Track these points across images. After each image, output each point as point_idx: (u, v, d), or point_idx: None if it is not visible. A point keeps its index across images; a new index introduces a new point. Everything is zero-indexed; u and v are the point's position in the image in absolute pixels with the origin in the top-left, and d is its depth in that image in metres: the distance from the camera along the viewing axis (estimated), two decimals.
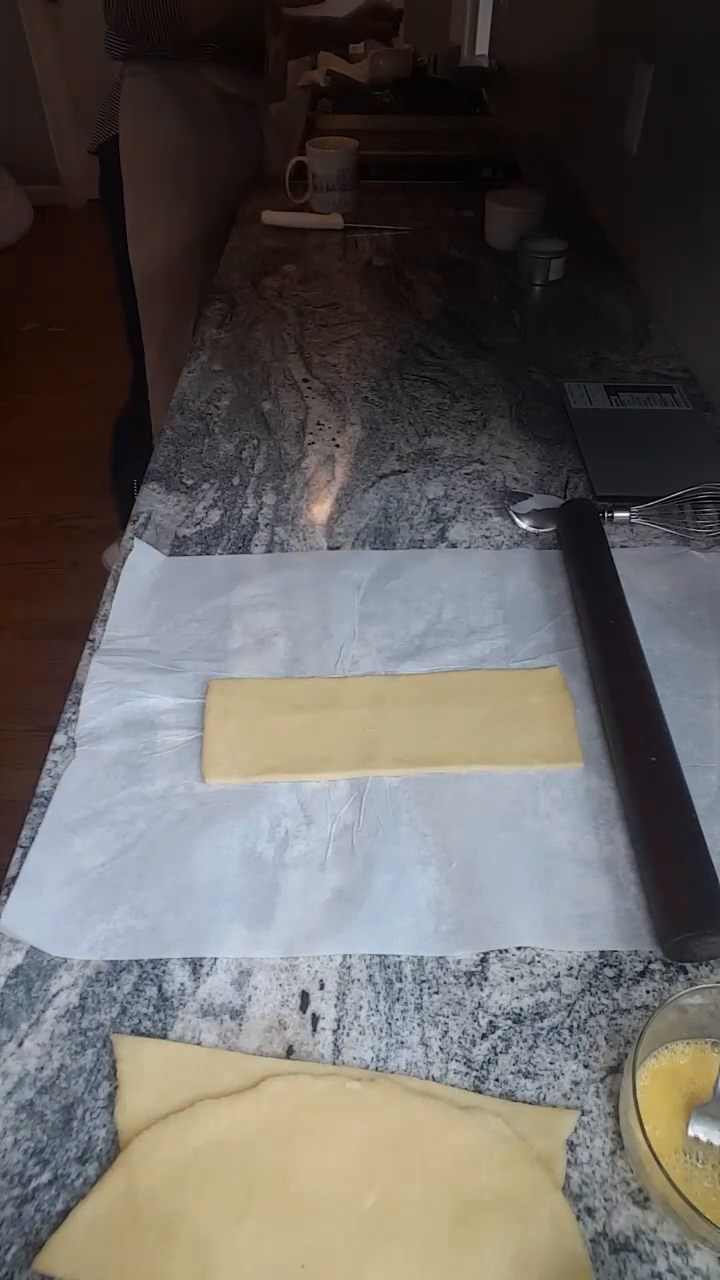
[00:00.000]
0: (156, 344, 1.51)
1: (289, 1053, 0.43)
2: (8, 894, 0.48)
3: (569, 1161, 0.39)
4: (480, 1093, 0.41)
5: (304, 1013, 0.44)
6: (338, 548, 0.73)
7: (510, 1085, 0.41)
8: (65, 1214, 0.37)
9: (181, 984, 0.45)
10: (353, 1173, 0.38)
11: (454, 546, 0.73)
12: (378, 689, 0.60)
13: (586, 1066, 0.42)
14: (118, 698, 0.59)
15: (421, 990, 0.45)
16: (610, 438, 0.85)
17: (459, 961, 0.46)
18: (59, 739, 0.57)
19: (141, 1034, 0.43)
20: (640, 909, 0.48)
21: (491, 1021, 0.44)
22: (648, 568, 0.70)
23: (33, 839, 0.51)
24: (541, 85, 1.92)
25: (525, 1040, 0.43)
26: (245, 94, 1.41)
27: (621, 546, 0.72)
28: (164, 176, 1.37)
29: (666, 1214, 0.37)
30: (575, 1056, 0.42)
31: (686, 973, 0.46)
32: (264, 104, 1.49)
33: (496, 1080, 0.42)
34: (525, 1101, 0.41)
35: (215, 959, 0.46)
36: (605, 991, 0.45)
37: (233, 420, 0.90)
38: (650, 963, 0.46)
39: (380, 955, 0.46)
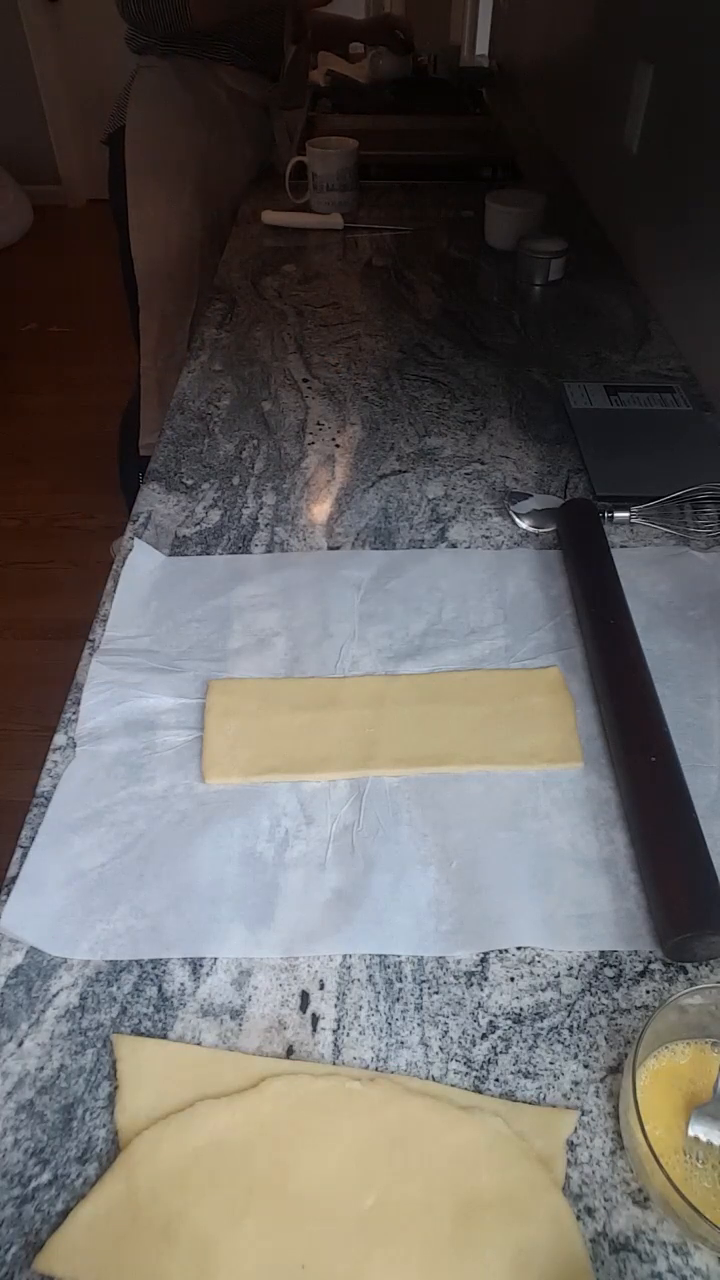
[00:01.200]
0: (153, 334, 1.52)
1: (289, 1053, 0.43)
2: (8, 894, 0.48)
3: (569, 1161, 0.39)
4: (480, 1093, 0.41)
5: (304, 1013, 0.44)
6: (338, 548, 0.73)
7: (510, 1085, 0.41)
8: (65, 1214, 0.37)
9: (181, 984, 0.45)
10: (353, 1173, 0.38)
11: (454, 546, 0.73)
12: (378, 689, 0.60)
13: (586, 1066, 0.42)
14: (118, 698, 0.59)
15: (421, 990, 0.45)
16: (610, 438, 0.85)
17: (459, 961, 0.46)
18: (59, 739, 0.57)
19: (141, 1034, 0.43)
20: (640, 909, 0.48)
21: (491, 1021, 0.44)
22: (648, 568, 0.70)
23: (33, 839, 0.51)
24: (541, 85, 1.92)
25: (525, 1040, 0.43)
26: (259, 97, 1.41)
27: (621, 546, 0.72)
28: (166, 168, 1.38)
29: (666, 1214, 0.37)
30: (575, 1056, 0.42)
31: (686, 973, 0.46)
32: (278, 108, 1.49)
33: (496, 1080, 0.42)
34: (525, 1101, 0.41)
35: (215, 959, 0.46)
36: (605, 991, 0.45)
37: (233, 420, 0.90)
38: (650, 963, 0.46)
39: (380, 955, 0.46)
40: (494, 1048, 0.43)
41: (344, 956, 0.46)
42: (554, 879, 0.49)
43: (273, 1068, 0.41)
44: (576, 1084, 0.42)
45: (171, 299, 1.47)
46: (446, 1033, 0.43)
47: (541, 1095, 0.41)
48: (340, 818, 0.52)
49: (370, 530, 0.75)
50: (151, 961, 0.46)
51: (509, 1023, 0.44)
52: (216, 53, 1.33)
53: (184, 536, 0.74)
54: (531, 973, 0.46)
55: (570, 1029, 0.43)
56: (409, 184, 1.56)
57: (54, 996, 0.45)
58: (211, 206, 1.43)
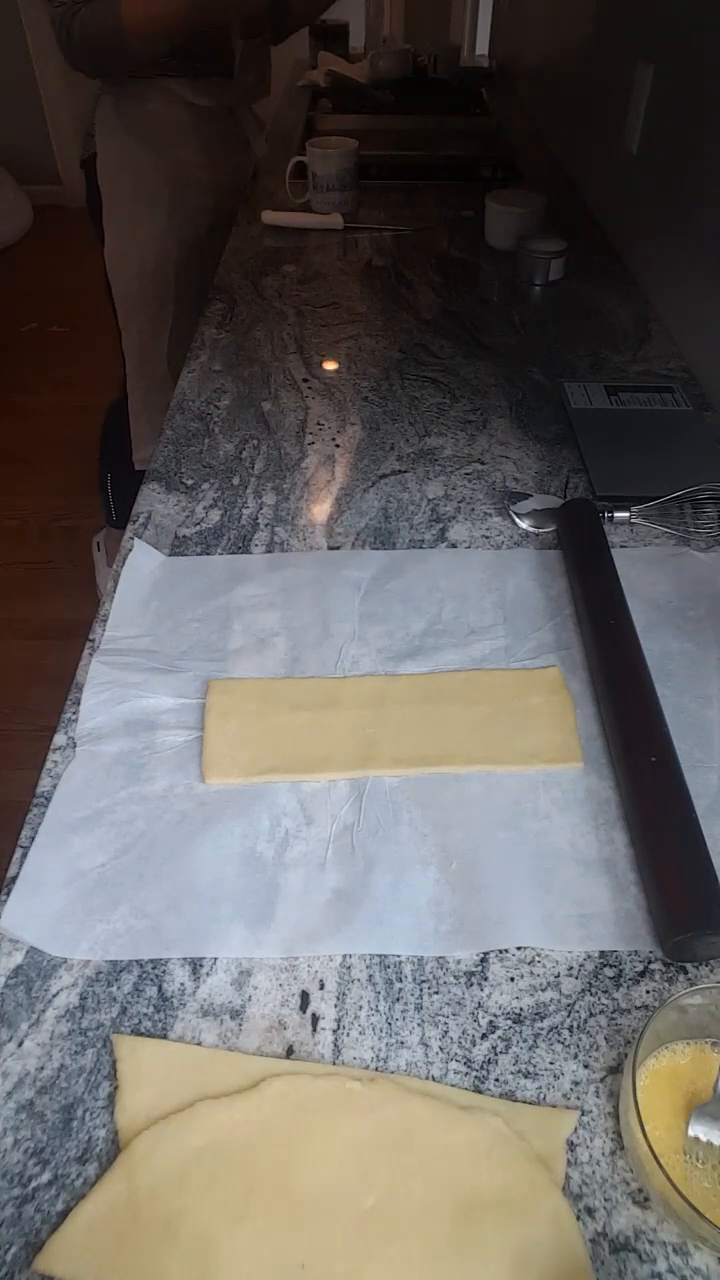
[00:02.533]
0: (134, 354, 1.52)
1: (289, 1053, 0.43)
2: (8, 894, 0.48)
3: (569, 1161, 0.39)
4: (480, 1093, 0.41)
5: (304, 1013, 0.44)
6: (338, 548, 0.73)
7: (510, 1085, 0.41)
8: (65, 1214, 0.37)
9: (181, 984, 0.45)
10: (353, 1173, 0.38)
11: (454, 546, 0.73)
12: (378, 689, 0.60)
13: (586, 1066, 0.42)
14: (118, 698, 0.59)
15: (421, 990, 0.45)
16: (610, 438, 0.85)
17: (459, 961, 0.46)
18: (59, 739, 0.57)
19: (141, 1034, 0.43)
20: (640, 909, 0.48)
21: (491, 1021, 0.44)
22: (648, 568, 0.70)
23: (33, 839, 0.51)
24: (541, 85, 1.92)
25: (525, 1040, 0.43)
26: (217, 102, 1.38)
27: (621, 546, 0.72)
28: (138, 196, 1.37)
29: (666, 1214, 0.37)
30: (575, 1056, 0.42)
31: (686, 973, 0.46)
32: (243, 106, 1.47)
33: (496, 1080, 0.42)
34: (525, 1101, 0.41)
35: (215, 959, 0.46)
36: (605, 991, 0.45)
37: (233, 420, 0.90)
38: (650, 963, 0.46)
39: (380, 955, 0.46)
40: (494, 1048, 0.43)
41: (344, 956, 0.46)
42: (554, 879, 0.49)
43: (273, 1068, 0.42)
44: (576, 1084, 0.42)
45: (147, 321, 1.46)
46: (446, 1033, 0.43)
47: (541, 1095, 0.41)
48: (340, 818, 0.52)
49: (370, 530, 0.75)
50: (151, 961, 0.46)
51: (509, 1023, 0.44)
52: (168, 70, 1.30)
53: (184, 536, 0.74)
54: (531, 973, 0.46)
55: (570, 1029, 0.43)
56: (409, 184, 1.56)
57: (54, 996, 0.45)
58: (190, 224, 1.41)
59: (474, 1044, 0.43)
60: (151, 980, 0.45)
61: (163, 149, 1.35)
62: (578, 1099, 0.41)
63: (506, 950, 0.46)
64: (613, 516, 0.74)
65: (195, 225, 1.43)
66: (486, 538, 0.74)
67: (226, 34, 1.30)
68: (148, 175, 1.36)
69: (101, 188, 1.39)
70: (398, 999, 0.45)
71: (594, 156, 1.45)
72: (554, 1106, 0.41)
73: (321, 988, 0.45)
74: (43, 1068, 0.42)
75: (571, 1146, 0.40)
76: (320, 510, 0.78)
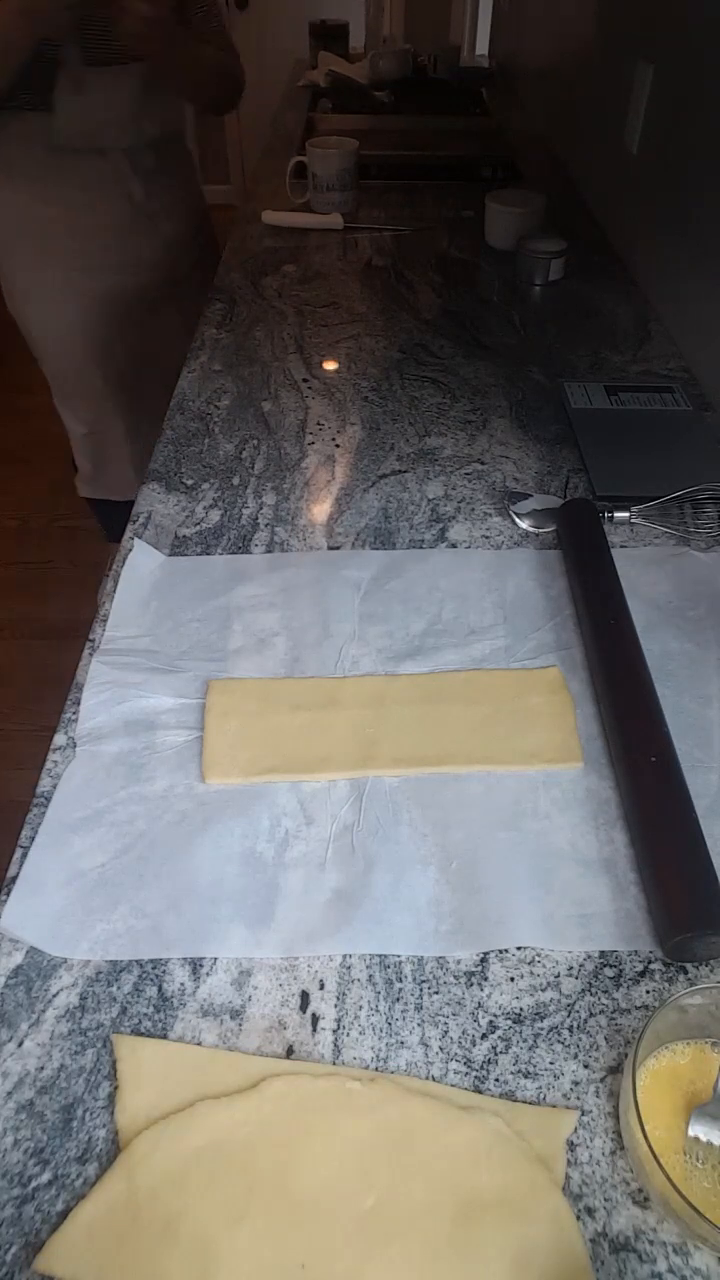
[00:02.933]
0: (55, 390, 1.49)
1: (289, 1053, 0.43)
2: (8, 894, 0.48)
3: (569, 1161, 0.39)
4: (480, 1093, 0.41)
5: (304, 1013, 0.44)
6: (338, 548, 0.73)
7: (510, 1085, 0.41)
8: (65, 1214, 0.37)
9: (181, 984, 0.45)
10: (353, 1173, 0.38)
11: (454, 546, 0.73)
12: (378, 689, 0.60)
13: (586, 1066, 0.42)
14: (118, 698, 0.59)
15: (421, 990, 0.45)
16: (610, 438, 0.85)
17: (459, 961, 0.46)
18: (59, 739, 0.57)
19: (141, 1034, 0.43)
20: (640, 909, 0.48)
21: (491, 1021, 0.44)
22: (648, 568, 0.70)
23: (33, 839, 0.51)
24: (541, 85, 1.92)
25: (525, 1040, 0.43)
26: (65, 140, 1.20)
27: (621, 546, 0.72)
28: (15, 237, 1.31)
29: (666, 1214, 0.37)
30: (575, 1056, 0.42)
31: (686, 973, 0.46)
32: (118, 148, 1.25)
33: (496, 1080, 0.42)
34: (525, 1101, 0.41)
35: (215, 959, 0.46)
36: (605, 991, 0.45)
37: (233, 420, 0.90)
38: (650, 963, 0.46)
39: (380, 955, 0.46)
40: (494, 1048, 0.43)
41: (344, 956, 0.46)
42: (554, 879, 0.49)
43: (273, 1068, 0.42)
44: (576, 1084, 0.42)
45: (52, 360, 1.43)
46: (446, 1033, 0.43)
47: (541, 1095, 0.41)
48: (340, 818, 0.52)
49: (370, 530, 0.75)
50: (151, 961, 0.46)
51: (509, 1023, 0.44)
52: (22, 104, 1.17)
53: (184, 536, 0.74)
54: (531, 973, 0.46)
55: (570, 1029, 0.43)
56: (409, 184, 1.56)
57: (54, 996, 0.45)
58: (73, 267, 1.31)
59: (474, 1044, 0.43)
60: (151, 980, 0.45)
61: (29, 189, 1.26)
62: (578, 1099, 0.41)
63: (506, 950, 0.46)
64: (613, 516, 0.74)
65: (82, 269, 1.32)
66: (486, 538, 0.74)
67: (56, 65, 1.14)
68: (22, 217, 1.29)
69: None
70: (398, 999, 0.45)
71: (594, 156, 1.45)
72: (554, 1106, 0.41)
73: (321, 988, 0.45)
74: (43, 1068, 0.42)
75: (571, 1146, 0.40)
76: (320, 510, 0.78)
